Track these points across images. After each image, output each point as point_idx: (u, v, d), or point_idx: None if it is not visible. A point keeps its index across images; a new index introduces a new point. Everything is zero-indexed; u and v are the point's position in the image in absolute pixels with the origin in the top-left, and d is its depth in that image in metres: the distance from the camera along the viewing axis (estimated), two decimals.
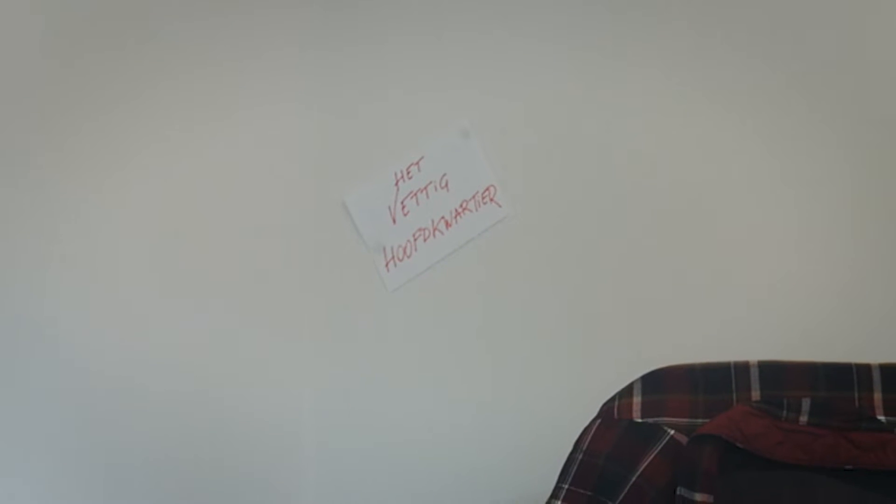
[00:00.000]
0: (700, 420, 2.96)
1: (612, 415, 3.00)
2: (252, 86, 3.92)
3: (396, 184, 3.93)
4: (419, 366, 3.92)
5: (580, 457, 2.99)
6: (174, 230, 3.76)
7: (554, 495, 2.99)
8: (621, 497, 2.95)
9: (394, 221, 3.93)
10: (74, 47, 3.64)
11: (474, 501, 3.82)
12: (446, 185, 3.89)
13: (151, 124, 3.74)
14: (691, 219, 3.72)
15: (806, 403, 2.96)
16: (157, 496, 3.72)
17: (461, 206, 3.88)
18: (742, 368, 3.00)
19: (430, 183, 3.91)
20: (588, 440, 3.00)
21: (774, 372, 2.99)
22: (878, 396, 2.97)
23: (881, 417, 2.95)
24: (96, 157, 3.65)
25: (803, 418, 2.95)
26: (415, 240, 3.91)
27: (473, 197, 3.88)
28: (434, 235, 3.90)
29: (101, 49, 3.67)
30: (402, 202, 3.92)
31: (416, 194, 3.91)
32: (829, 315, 3.60)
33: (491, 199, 3.86)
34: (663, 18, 3.73)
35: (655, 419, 2.99)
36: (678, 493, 2.91)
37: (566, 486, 2.98)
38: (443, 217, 3.89)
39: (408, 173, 3.92)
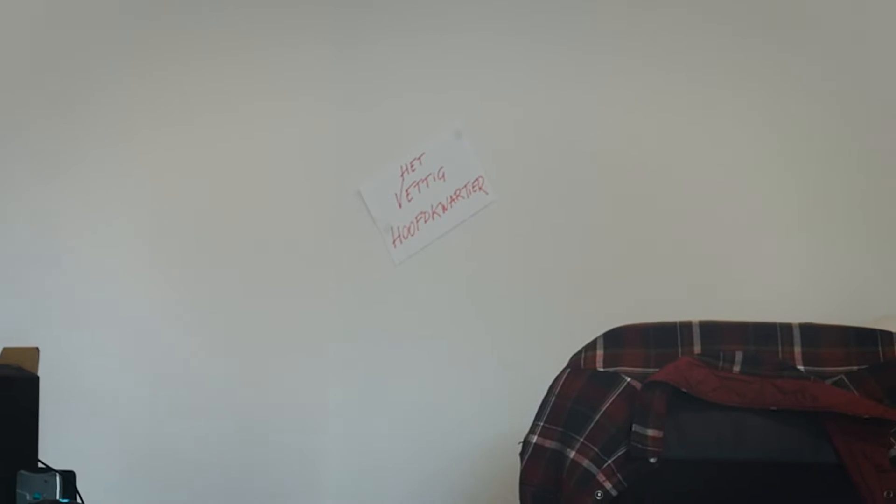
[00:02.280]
0: (651, 369, 2.95)
1: (579, 365, 2.99)
2: (281, 83, 3.91)
3: (402, 175, 3.92)
4: (419, 324, 3.91)
5: (553, 399, 2.97)
6: (212, 212, 3.75)
7: (532, 431, 2.98)
8: (587, 432, 2.94)
9: (400, 206, 3.92)
10: (110, 39, 3.60)
11: (466, 434, 3.82)
12: (443, 176, 3.89)
13: (183, 115, 3.73)
14: (645, 200, 3.71)
15: (738, 356, 2.94)
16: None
17: (455, 193, 3.88)
18: (686, 327, 2.98)
19: (430, 174, 3.90)
20: (559, 386, 2.98)
21: (712, 330, 2.98)
22: (797, 350, 2.95)
23: (800, 367, 2.93)
24: (129, 141, 3.62)
25: (736, 368, 2.94)
26: (417, 221, 3.91)
27: (465, 186, 3.87)
28: (433, 218, 3.89)
29: (135, 41, 3.63)
30: (406, 190, 3.92)
31: (418, 184, 3.91)
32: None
33: (479, 188, 3.86)
34: (647, 17, 3.72)
35: (615, 369, 2.97)
36: (634, 429, 2.89)
37: (541, 424, 2.97)
38: (440, 202, 3.89)
39: (411, 167, 3.91)
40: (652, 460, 2.88)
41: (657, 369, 2.94)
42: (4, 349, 3.11)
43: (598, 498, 2.88)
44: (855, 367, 2.93)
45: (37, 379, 3.08)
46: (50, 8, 3.42)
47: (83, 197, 3.44)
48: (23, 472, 3.00)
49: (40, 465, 3.05)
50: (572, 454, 2.92)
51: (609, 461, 2.91)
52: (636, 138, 3.72)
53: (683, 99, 3.70)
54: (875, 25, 3.49)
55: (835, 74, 3.54)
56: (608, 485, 2.89)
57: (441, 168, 3.89)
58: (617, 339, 3.00)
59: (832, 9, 3.52)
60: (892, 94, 3.53)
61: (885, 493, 2.83)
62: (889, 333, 2.96)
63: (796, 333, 2.96)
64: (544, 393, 2.98)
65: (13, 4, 3.34)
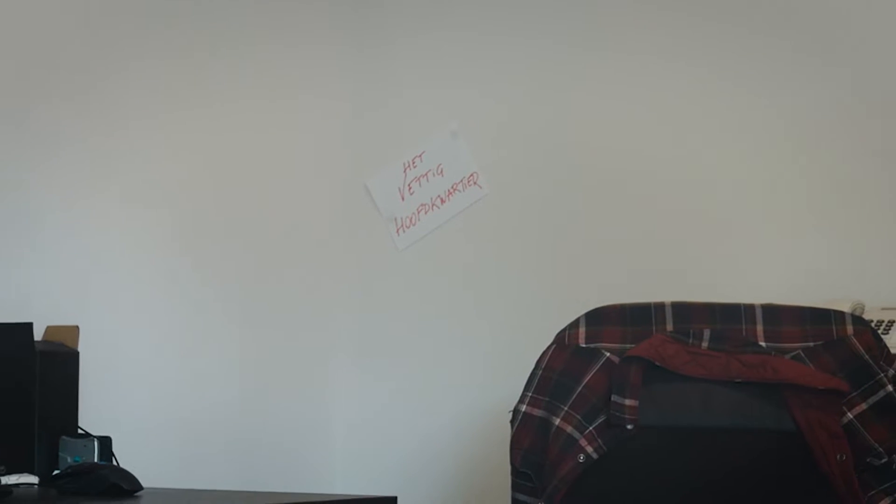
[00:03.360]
0: (629, 345, 2.95)
1: (563, 341, 2.99)
2: (299, 86, 3.92)
3: (405, 171, 3.93)
4: (419, 304, 3.91)
5: (540, 372, 2.98)
6: (231, 201, 3.75)
7: (521, 401, 2.98)
8: (570, 402, 2.94)
9: (402, 199, 3.93)
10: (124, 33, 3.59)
11: (462, 404, 3.82)
12: (441, 172, 3.89)
13: (198, 111, 3.71)
14: (623, 192, 3.71)
15: (706, 333, 2.95)
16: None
17: (452, 187, 3.88)
18: (659, 307, 2.99)
19: (429, 171, 3.90)
20: (545, 360, 2.98)
21: (683, 310, 2.98)
22: (759, 328, 2.95)
23: (762, 343, 2.94)
24: (156, 135, 3.62)
25: (704, 344, 2.94)
26: (418, 212, 3.91)
27: (461, 181, 3.87)
28: (432, 209, 3.90)
29: (148, 38, 3.62)
30: (408, 185, 3.92)
31: (419, 179, 3.91)
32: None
33: (474, 183, 3.86)
34: (637, 13, 3.72)
35: (595, 345, 2.97)
36: (612, 399, 2.90)
37: (530, 394, 2.97)
38: (439, 195, 3.89)
39: (413, 163, 3.92)
40: (629, 427, 2.89)
41: (634, 345, 2.94)
42: (48, 328, 3.12)
43: (581, 461, 2.89)
44: (811, 344, 2.93)
45: (77, 354, 3.10)
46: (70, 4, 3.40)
47: (116, 189, 3.44)
48: (65, 437, 3.02)
49: (80, 431, 3.07)
50: (557, 421, 2.93)
51: (590, 428, 2.91)
52: (620, 135, 3.72)
53: (670, 95, 3.69)
54: (875, 18, 3.47)
55: (829, 69, 3.53)
56: (590, 449, 2.90)
57: (439, 165, 3.90)
58: (597, 318, 3.00)
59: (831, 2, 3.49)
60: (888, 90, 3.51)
61: (837, 457, 2.84)
62: (841, 313, 2.97)
63: (758, 313, 2.97)
64: (532, 367, 2.99)
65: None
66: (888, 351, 2.93)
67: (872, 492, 2.84)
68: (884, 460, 2.85)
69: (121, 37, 3.47)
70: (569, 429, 2.92)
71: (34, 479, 2.91)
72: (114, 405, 3.31)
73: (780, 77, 3.56)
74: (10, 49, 3.21)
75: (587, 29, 3.77)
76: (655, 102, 3.69)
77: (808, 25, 3.53)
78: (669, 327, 2.96)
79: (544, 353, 2.99)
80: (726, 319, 2.96)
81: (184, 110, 3.61)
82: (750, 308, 2.97)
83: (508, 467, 2.96)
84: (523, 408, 2.96)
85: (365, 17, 4.02)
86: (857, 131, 3.47)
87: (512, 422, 2.97)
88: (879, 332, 3.04)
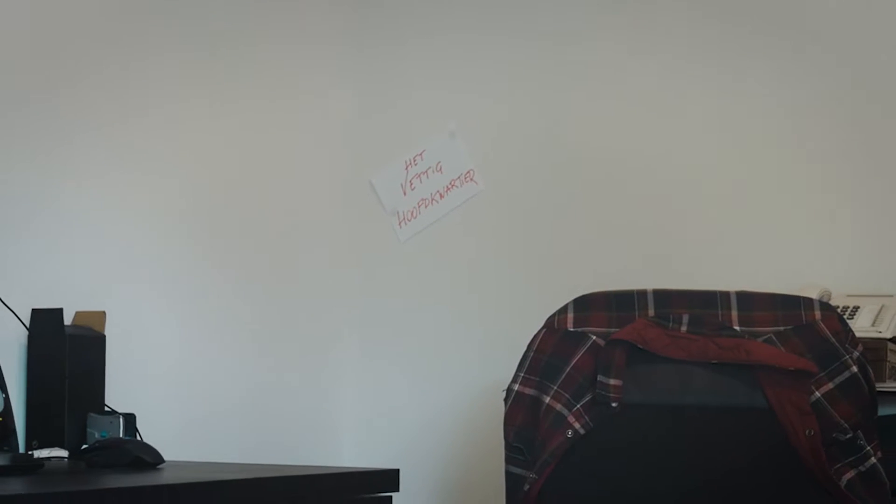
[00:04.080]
0: (613, 329, 2.95)
1: (553, 326, 2.99)
2: (309, 88, 3.91)
3: (406, 168, 3.93)
4: (420, 291, 3.91)
5: (531, 354, 2.98)
6: (245, 195, 3.74)
7: (514, 380, 2.98)
8: (560, 381, 2.94)
9: (404, 194, 3.93)
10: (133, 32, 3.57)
11: (459, 383, 3.82)
12: (440, 169, 3.89)
13: (213, 108, 3.70)
14: (609, 186, 3.72)
15: (685, 318, 2.95)
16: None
17: (450, 183, 3.88)
18: (642, 294, 2.99)
19: (429, 168, 3.90)
20: (537, 343, 2.99)
21: (663, 296, 2.98)
22: (734, 314, 2.96)
23: (737, 327, 2.94)
24: (173, 129, 3.61)
25: (683, 328, 2.95)
26: (419, 207, 3.91)
27: (458, 177, 3.87)
28: (432, 203, 3.90)
29: (159, 36, 3.60)
30: (410, 181, 3.92)
31: (419, 175, 3.91)
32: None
33: (471, 179, 3.86)
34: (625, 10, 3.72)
35: (583, 329, 2.98)
36: (598, 378, 2.90)
37: (522, 374, 2.97)
38: (438, 191, 3.89)
39: (414, 161, 3.92)
40: (614, 405, 2.89)
41: (618, 329, 2.95)
42: (77, 313, 3.12)
43: (569, 436, 2.90)
44: (782, 328, 2.94)
45: (103, 338, 3.10)
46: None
47: (138, 187, 3.43)
48: (92, 414, 3.02)
49: (106, 408, 3.08)
50: (547, 399, 2.94)
51: (578, 405, 2.92)
52: (607, 135, 3.72)
53: (654, 97, 3.70)
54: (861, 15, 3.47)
55: (807, 69, 3.54)
56: (577, 425, 2.90)
57: (438, 162, 3.90)
58: (584, 304, 3.01)
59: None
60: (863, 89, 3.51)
61: (806, 432, 2.85)
62: (809, 299, 2.98)
63: (733, 299, 2.98)
64: (524, 349, 3.00)
65: None
66: (853, 335, 2.94)
67: (838, 465, 2.85)
68: (849, 435, 2.86)
69: (133, 33, 3.45)
70: (558, 406, 2.92)
71: (64, 453, 2.92)
72: (137, 385, 3.31)
73: (758, 76, 3.56)
74: (33, 47, 3.21)
75: (579, 33, 3.76)
76: (642, 103, 3.69)
77: (790, 23, 3.55)
78: (651, 312, 2.97)
79: (535, 336, 2.99)
80: (703, 305, 2.97)
81: (200, 108, 3.60)
82: (725, 295, 2.98)
83: (502, 442, 2.97)
84: (516, 387, 2.97)
85: (366, 21, 4.01)
86: (827, 128, 3.48)
87: (505, 400, 2.98)
88: (845, 317, 3.05)
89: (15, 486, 2.30)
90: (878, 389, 2.94)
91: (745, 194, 3.56)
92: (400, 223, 3.93)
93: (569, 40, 3.77)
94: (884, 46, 3.42)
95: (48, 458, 2.83)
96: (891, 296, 3.29)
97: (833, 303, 3.17)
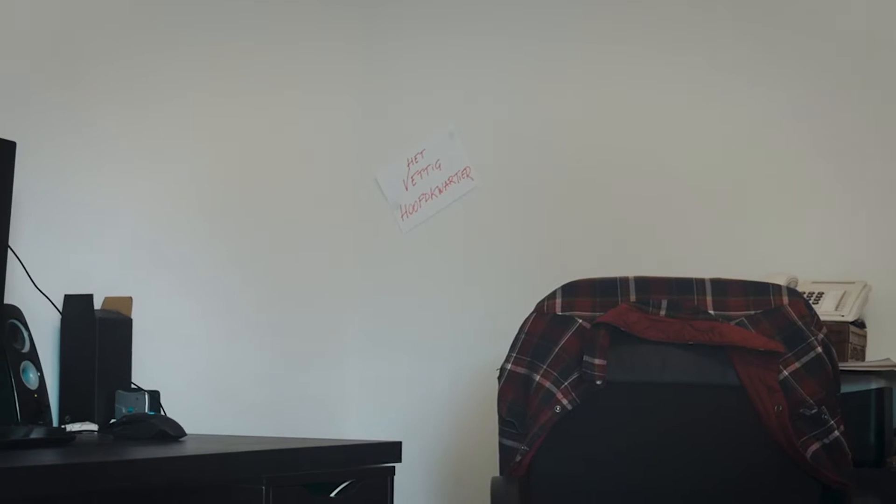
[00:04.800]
0: (598, 313, 2.95)
1: (542, 310, 2.99)
2: (313, 89, 3.89)
3: (408, 166, 3.93)
4: (421, 279, 3.91)
5: (523, 336, 2.98)
6: (259, 189, 3.74)
7: (506, 360, 2.97)
8: (549, 361, 2.94)
9: (406, 189, 3.93)
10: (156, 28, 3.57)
11: (458, 363, 3.83)
12: (439, 166, 3.89)
13: (228, 107, 3.68)
14: (594, 181, 3.72)
15: (664, 303, 2.95)
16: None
17: (448, 179, 3.87)
18: (624, 281, 2.99)
19: (429, 165, 3.90)
20: (528, 326, 2.98)
21: (644, 283, 2.98)
22: (709, 299, 2.96)
23: (711, 311, 2.94)
24: (189, 127, 3.60)
25: (662, 312, 2.94)
26: (420, 201, 3.91)
27: (456, 174, 3.87)
28: (432, 198, 3.89)
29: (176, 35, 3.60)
30: (411, 177, 3.92)
31: (420, 172, 3.91)
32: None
33: (467, 175, 3.85)
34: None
35: (570, 313, 2.97)
36: (584, 358, 2.90)
37: (514, 354, 2.97)
38: (437, 186, 3.88)
39: (415, 159, 3.91)
40: (598, 382, 2.89)
41: (602, 313, 2.95)
42: (106, 298, 3.13)
43: (557, 411, 2.90)
44: (752, 312, 2.94)
45: (130, 321, 3.11)
46: None
47: (162, 184, 3.43)
48: (120, 391, 3.03)
49: (133, 386, 3.08)
50: (538, 378, 2.94)
51: (566, 383, 2.92)
52: (592, 135, 3.71)
53: (635, 97, 3.69)
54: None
55: (783, 71, 3.53)
56: (565, 401, 2.91)
57: (438, 160, 3.89)
58: (571, 290, 3.00)
59: None
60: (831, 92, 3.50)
61: (775, 408, 2.86)
62: (778, 286, 2.98)
63: (708, 286, 2.98)
64: (516, 331, 3.00)
65: None
66: (818, 318, 2.95)
67: (804, 437, 2.85)
68: (814, 411, 2.86)
69: (148, 33, 3.44)
70: (547, 384, 2.93)
71: (94, 427, 2.92)
72: (161, 364, 3.31)
73: (730, 80, 3.56)
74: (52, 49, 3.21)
75: (569, 40, 3.76)
76: (624, 107, 3.69)
77: (765, 28, 3.55)
78: (632, 298, 2.97)
79: (526, 319, 3.00)
80: (681, 291, 2.97)
81: (217, 108, 3.59)
82: (700, 281, 2.98)
83: (496, 417, 2.97)
84: (508, 366, 2.97)
85: (369, 30, 4.00)
86: (794, 130, 3.48)
87: (499, 378, 2.98)
88: (811, 302, 3.05)
89: (49, 456, 2.30)
90: (840, 368, 2.95)
91: (719, 190, 3.56)
92: (402, 216, 3.93)
93: (558, 47, 3.77)
94: (861, 46, 3.42)
95: (79, 432, 2.83)
96: (852, 283, 3.30)
97: (799, 289, 3.17)
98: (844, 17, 3.43)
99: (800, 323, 2.92)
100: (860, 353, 3.25)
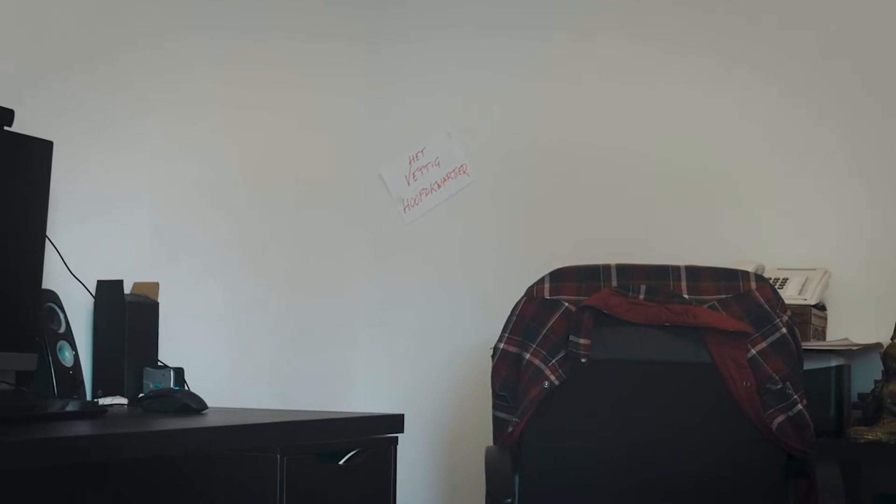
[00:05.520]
0: (582, 297, 2.95)
1: (532, 294, 2.99)
2: (324, 91, 3.88)
3: (410, 163, 3.91)
4: (421, 266, 3.89)
5: (514, 318, 2.98)
6: (272, 183, 3.73)
7: (499, 340, 2.97)
8: (538, 341, 2.94)
9: (408, 184, 3.91)
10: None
11: (455, 343, 3.81)
12: (438, 163, 3.88)
13: (235, 109, 3.67)
14: (578, 176, 3.71)
15: (643, 288, 2.95)
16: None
17: (446, 175, 3.86)
18: (606, 268, 2.99)
19: (429, 163, 3.89)
20: (518, 309, 2.98)
21: (625, 270, 2.98)
22: (684, 284, 2.96)
23: (686, 296, 2.94)
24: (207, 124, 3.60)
25: (641, 296, 2.94)
26: (420, 195, 3.89)
27: (453, 170, 3.85)
28: (431, 193, 3.88)
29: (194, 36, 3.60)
30: (413, 173, 3.91)
31: (421, 169, 3.90)
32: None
33: (464, 172, 3.84)
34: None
35: (557, 297, 2.97)
36: (570, 338, 2.90)
37: (506, 335, 2.97)
38: (436, 182, 3.87)
39: (416, 157, 3.90)
40: (583, 360, 2.90)
41: (586, 297, 2.95)
42: (135, 283, 3.12)
43: (546, 386, 2.90)
44: (723, 296, 2.94)
45: (157, 304, 3.10)
46: None
47: (185, 178, 3.41)
48: (147, 368, 3.02)
49: (159, 363, 3.07)
50: (528, 356, 2.94)
51: (553, 361, 2.92)
52: (576, 135, 3.70)
53: (614, 99, 3.68)
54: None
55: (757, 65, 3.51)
56: (552, 377, 2.91)
57: (437, 158, 3.88)
58: (558, 276, 3.00)
59: None
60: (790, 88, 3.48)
61: (744, 383, 2.86)
62: (747, 272, 2.99)
63: (683, 272, 2.98)
64: (508, 314, 3.00)
65: None
66: (783, 302, 2.95)
67: (770, 410, 2.86)
68: (779, 386, 2.87)
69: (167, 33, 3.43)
70: (536, 362, 2.92)
71: (124, 401, 2.92)
72: (185, 343, 3.30)
73: (702, 75, 3.55)
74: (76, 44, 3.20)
75: (555, 48, 3.75)
76: (604, 108, 3.68)
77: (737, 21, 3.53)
78: (614, 283, 2.97)
79: (517, 303, 3.00)
80: (658, 277, 2.97)
81: (235, 103, 3.57)
82: (676, 268, 2.98)
83: (490, 391, 2.97)
84: (501, 345, 2.97)
85: (374, 40, 3.99)
86: (763, 127, 3.47)
87: (493, 356, 2.98)
88: (776, 287, 3.05)
89: (83, 428, 2.30)
90: (803, 347, 2.95)
91: (694, 184, 3.55)
92: (404, 209, 3.92)
93: (546, 55, 3.76)
94: (825, 44, 3.41)
95: (111, 405, 2.83)
96: (814, 269, 3.29)
97: (766, 275, 3.17)
98: (817, 12, 3.42)
99: (766, 306, 2.92)
100: (821, 334, 3.25)
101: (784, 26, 3.46)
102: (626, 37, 3.66)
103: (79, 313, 3.01)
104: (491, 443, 2.95)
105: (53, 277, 2.91)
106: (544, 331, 2.94)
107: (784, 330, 2.90)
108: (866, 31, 3.36)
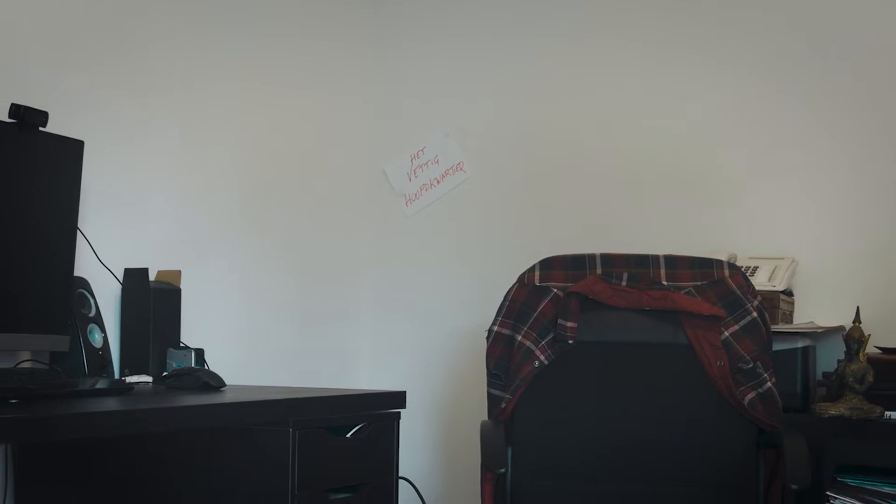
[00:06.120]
0: (570, 284, 2.95)
1: (523, 281, 2.99)
2: (333, 91, 3.86)
3: (412, 160, 3.91)
4: (422, 255, 3.88)
5: (507, 303, 2.98)
6: (285, 177, 3.72)
7: (493, 323, 2.97)
8: (529, 324, 2.94)
9: (410, 180, 3.91)
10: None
11: (452, 325, 3.81)
12: (437, 161, 3.87)
13: (262, 103, 3.66)
14: (563, 171, 3.71)
15: (625, 275, 2.95)
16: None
17: (445, 172, 3.86)
18: (591, 257, 2.99)
19: (429, 160, 3.88)
20: (511, 294, 2.99)
21: (608, 259, 2.98)
22: (662, 272, 2.96)
23: (664, 282, 2.94)
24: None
25: (623, 283, 2.95)
26: (421, 190, 3.89)
27: (451, 167, 3.85)
28: (431, 188, 3.87)
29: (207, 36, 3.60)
30: (414, 170, 3.90)
31: (421, 166, 3.89)
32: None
33: (460, 169, 3.84)
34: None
35: (546, 283, 2.98)
36: (558, 322, 2.90)
37: (500, 318, 2.97)
38: (435, 178, 3.86)
39: (417, 155, 3.89)
40: (570, 342, 2.90)
41: (573, 284, 2.96)
42: (159, 272, 3.11)
43: (536, 366, 2.90)
44: (699, 283, 2.94)
45: (179, 290, 3.10)
46: None
47: (205, 172, 3.41)
48: (171, 349, 3.02)
49: (182, 344, 3.07)
50: (519, 337, 2.94)
51: (543, 342, 2.92)
52: (563, 134, 3.69)
53: (596, 100, 3.67)
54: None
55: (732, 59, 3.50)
56: (542, 357, 2.91)
57: (436, 156, 3.87)
58: (547, 264, 3.00)
59: None
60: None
61: (717, 363, 2.86)
62: (720, 261, 2.99)
63: (661, 261, 2.98)
64: (501, 299, 3.00)
65: None
66: (753, 288, 2.96)
67: (742, 387, 2.86)
68: (750, 365, 2.87)
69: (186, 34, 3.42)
70: (527, 343, 2.93)
71: (149, 379, 2.92)
72: (205, 326, 3.30)
73: (681, 72, 3.53)
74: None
75: (543, 54, 3.74)
76: (587, 110, 3.67)
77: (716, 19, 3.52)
78: (599, 271, 2.97)
79: (510, 289, 3.00)
80: (638, 265, 2.97)
81: (251, 102, 3.56)
82: (655, 257, 2.98)
83: (485, 370, 2.98)
84: (495, 328, 2.97)
85: (378, 48, 3.99)
86: (736, 128, 3.47)
87: (487, 338, 2.98)
88: (747, 274, 3.06)
89: (112, 403, 2.30)
90: (772, 330, 2.96)
91: (673, 179, 3.55)
92: (406, 203, 3.92)
93: (534, 60, 3.75)
94: (796, 40, 3.41)
95: (137, 383, 2.83)
96: (782, 258, 3.30)
97: (738, 264, 3.17)
98: (791, 11, 3.41)
99: (738, 292, 2.92)
100: (789, 317, 3.25)
101: (750, 22, 3.44)
102: (611, 40, 3.65)
103: (107, 299, 3.01)
104: (486, 417, 2.95)
105: (84, 266, 2.91)
106: (535, 314, 2.94)
107: (755, 314, 2.90)
108: (832, 33, 3.35)
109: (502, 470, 2.74)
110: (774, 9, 3.42)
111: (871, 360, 3.00)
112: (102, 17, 3.08)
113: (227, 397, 2.56)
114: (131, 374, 2.93)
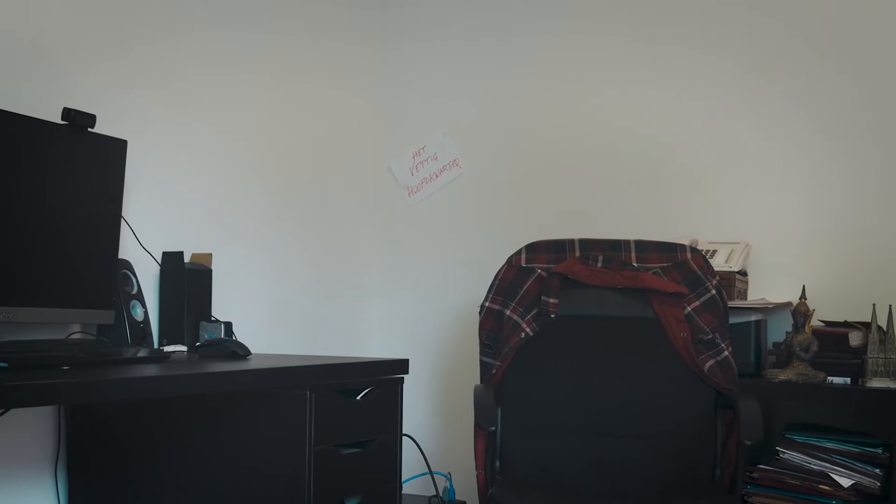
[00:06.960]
0: (552, 265, 2.96)
1: (511, 263, 2.99)
2: (344, 92, 3.85)
3: (413, 157, 3.90)
4: (422, 240, 3.87)
5: (497, 282, 2.98)
6: (300, 170, 3.71)
7: (485, 299, 2.97)
8: (516, 300, 2.94)
9: (412, 174, 3.89)
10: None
11: (449, 302, 3.80)
12: (436, 157, 3.86)
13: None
14: (548, 165, 3.70)
15: (600, 258, 2.95)
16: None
17: (443, 167, 3.85)
18: (571, 241, 2.99)
19: (429, 157, 3.87)
20: (500, 274, 2.98)
21: (586, 243, 2.98)
22: (633, 255, 2.96)
23: (635, 264, 2.95)
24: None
25: (599, 265, 2.94)
26: (422, 183, 3.88)
27: (449, 163, 3.84)
28: (431, 181, 3.86)
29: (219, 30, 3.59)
30: (416, 165, 3.90)
31: (422, 162, 3.88)
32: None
33: (457, 164, 3.83)
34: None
35: (532, 265, 2.98)
36: (542, 298, 2.91)
37: (490, 295, 2.97)
38: (435, 173, 3.85)
39: (419, 152, 3.88)
40: (552, 316, 2.91)
41: (555, 265, 2.96)
42: (193, 254, 3.11)
43: (522, 337, 2.91)
44: (665, 264, 2.95)
45: (210, 271, 3.10)
46: None
47: (231, 165, 3.40)
48: (203, 321, 3.02)
49: (213, 318, 3.07)
50: (508, 312, 2.94)
51: (528, 316, 2.93)
52: (551, 132, 3.68)
53: (578, 100, 3.65)
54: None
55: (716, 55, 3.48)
56: (528, 329, 2.92)
57: (435, 153, 3.87)
58: (532, 248, 3.01)
59: None
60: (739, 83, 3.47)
61: (681, 335, 2.87)
62: (683, 245, 2.99)
63: (632, 245, 2.98)
64: (492, 278, 3.01)
65: None
66: (712, 269, 2.96)
67: (702, 356, 2.87)
68: (709, 336, 2.88)
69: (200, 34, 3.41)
70: (515, 317, 2.93)
71: (184, 348, 2.93)
72: (233, 302, 3.30)
73: (656, 70, 3.51)
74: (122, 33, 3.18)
75: (534, 58, 3.73)
76: (572, 111, 3.66)
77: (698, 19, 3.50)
78: (577, 254, 2.97)
79: (500, 269, 3.00)
80: (612, 249, 2.97)
81: (272, 97, 3.53)
82: (627, 242, 2.98)
83: (477, 340, 2.99)
84: (486, 304, 2.98)
85: (383, 52, 3.98)
86: (699, 122, 3.46)
87: (480, 312, 2.99)
88: (707, 257, 3.06)
89: (152, 370, 2.31)
90: (729, 305, 2.97)
91: (641, 172, 3.54)
92: (409, 194, 3.91)
93: (522, 66, 3.74)
94: (751, 31, 3.40)
95: (173, 352, 2.83)
96: (738, 243, 3.30)
97: (699, 247, 3.18)
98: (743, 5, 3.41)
99: (699, 272, 2.93)
100: (743, 295, 3.26)
101: (711, 17, 3.42)
102: (585, 45, 3.64)
103: (148, 278, 3.01)
104: (479, 382, 2.96)
105: (127, 249, 2.92)
106: (521, 292, 2.95)
107: (714, 291, 2.91)
108: (789, 23, 3.32)
109: (493, 428, 2.75)
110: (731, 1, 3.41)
111: (816, 332, 3.02)
112: (141, 30, 3.07)
113: (252, 364, 2.57)
114: (168, 344, 2.94)
